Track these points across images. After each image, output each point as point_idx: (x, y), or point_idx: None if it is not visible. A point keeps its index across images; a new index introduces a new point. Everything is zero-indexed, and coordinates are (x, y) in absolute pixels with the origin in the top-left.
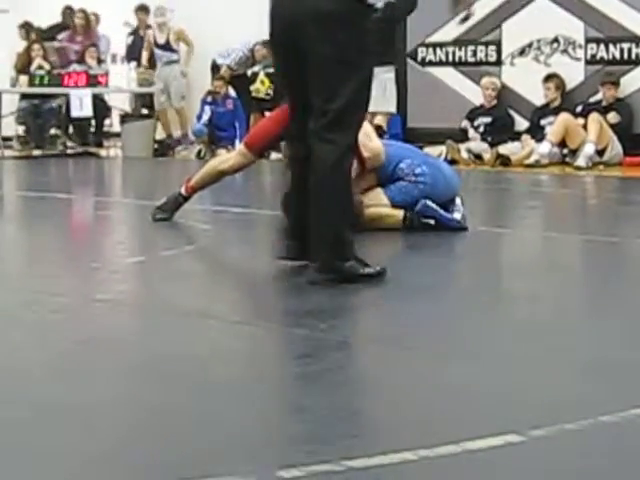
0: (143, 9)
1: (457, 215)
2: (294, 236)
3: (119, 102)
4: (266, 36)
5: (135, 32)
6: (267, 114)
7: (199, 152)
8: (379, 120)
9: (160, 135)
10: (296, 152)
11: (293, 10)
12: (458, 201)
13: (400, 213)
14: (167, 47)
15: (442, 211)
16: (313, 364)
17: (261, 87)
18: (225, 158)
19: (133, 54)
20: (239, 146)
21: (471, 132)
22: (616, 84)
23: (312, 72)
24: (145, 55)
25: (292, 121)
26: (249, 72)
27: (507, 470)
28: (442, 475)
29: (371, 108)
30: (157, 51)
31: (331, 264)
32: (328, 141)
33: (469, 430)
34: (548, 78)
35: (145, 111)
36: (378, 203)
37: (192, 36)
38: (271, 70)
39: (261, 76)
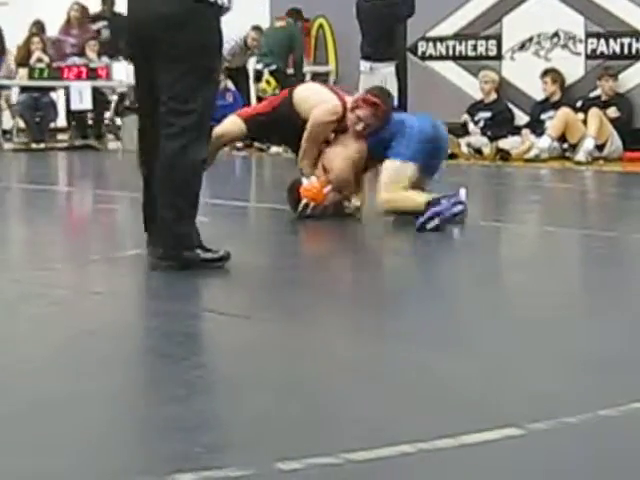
0: None
1: (459, 207)
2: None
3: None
4: (256, 21)
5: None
6: None
7: None
8: None
9: None
10: (145, 146)
11: (141, 14)
12: (462, 193)
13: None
14: None
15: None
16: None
17: (267, 87)
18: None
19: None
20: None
21: (471, 126)
22: (614, 76)
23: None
24: None
25: (140, 117)
26: (251, 68)
27: (506, 463)
28: (440, 468)
29: None
30: None
31: (174, 253)
32: (171, 136)
33: (468, 424)
34: (546, 72)
35: None
36: (398, 182)
37: None
38: (274, 68)
39: (266, 76)
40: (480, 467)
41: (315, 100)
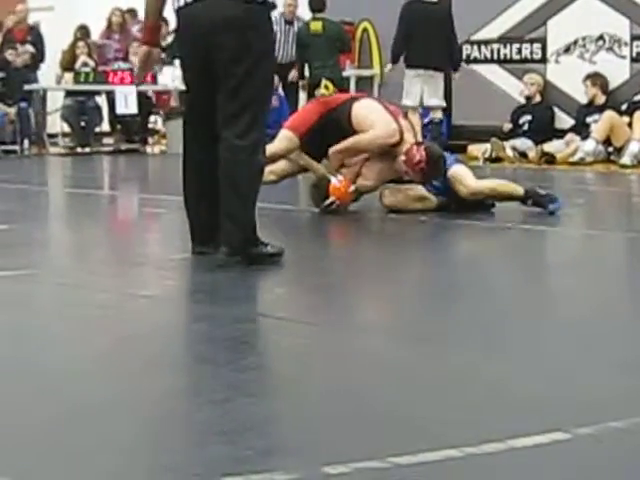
0: None
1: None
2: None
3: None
4: None
5: (175, 31)
6: None
7: None
8: (436, 113)
9: None
10: (197, 153)
11: (204, 19)
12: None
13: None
14: None
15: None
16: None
17: (326, 92)
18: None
19: (173, 53)
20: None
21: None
22: None
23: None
24: None
25: (190, 123)
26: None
27: (555, 468)
28: (488, 472)
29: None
30: None
31: (242, 249)
32: (234, 138)
33: (515, 428)
34: (588, 76)
35: None
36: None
37: None
38: (328, 73)
39: (324, 81)
40: (528, 472)
41: (373, 120)
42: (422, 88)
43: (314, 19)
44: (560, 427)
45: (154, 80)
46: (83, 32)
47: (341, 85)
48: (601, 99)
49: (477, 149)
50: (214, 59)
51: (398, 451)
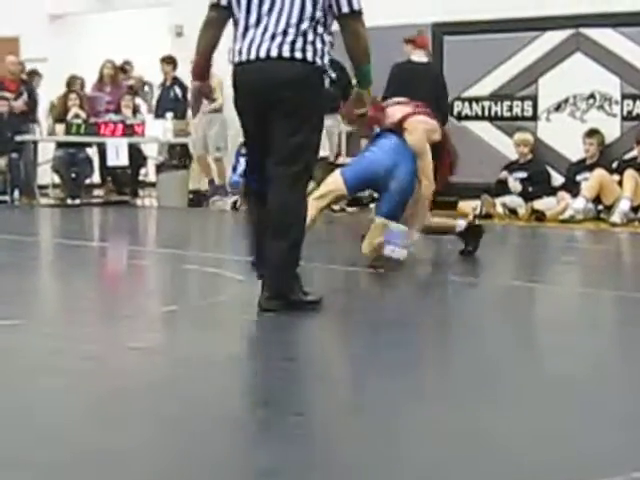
0: (167, 60)
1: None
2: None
3: (153, 152)
4: None
5: (163, 84)
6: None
7: (234, 203)
8: None
9: (194, 185)
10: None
11: (265, 79)
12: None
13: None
14: (208, 96)
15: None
16: None
17: None
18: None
19: (164, 106)
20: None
21: (511, 181)
22: None
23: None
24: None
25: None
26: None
27: None
28: None
29: None
30: None
31: (282, 294)
32: (284, 183)
33: None
34: (591, 134)
35: (177, 162)
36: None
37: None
38: None
39: None
40: None
41: None
42: None
43: None
44: None
45: (144, 133)
46: (79, 83)
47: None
48: (596, 157)
49: (468, 205)
50: (269, 112)
51: None
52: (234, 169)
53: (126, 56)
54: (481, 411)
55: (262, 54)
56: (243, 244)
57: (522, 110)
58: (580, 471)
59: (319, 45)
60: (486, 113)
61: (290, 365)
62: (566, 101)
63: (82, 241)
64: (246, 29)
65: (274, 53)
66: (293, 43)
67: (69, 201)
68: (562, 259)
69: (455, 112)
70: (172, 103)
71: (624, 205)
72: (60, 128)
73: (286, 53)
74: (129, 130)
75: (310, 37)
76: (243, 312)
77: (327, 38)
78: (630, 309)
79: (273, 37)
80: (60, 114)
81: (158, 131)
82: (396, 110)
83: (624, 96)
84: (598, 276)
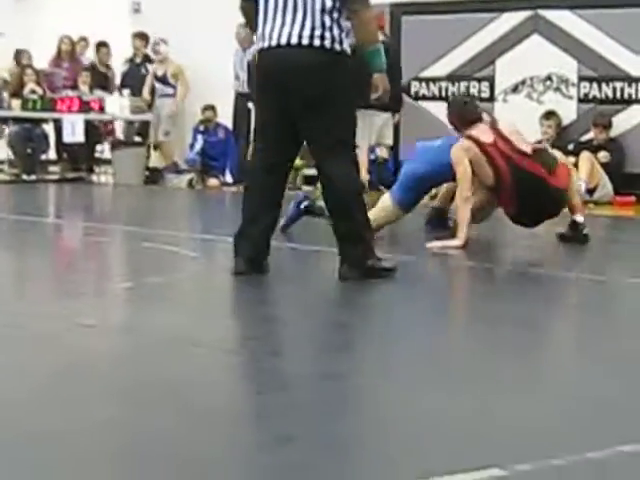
0: (139, 36)
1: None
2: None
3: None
4: None
5: (131, 60)
6: None
7: (190, 181)
8: (382, 152)
9: (155, 164)
10: (261, 177)
11: (288, 64)
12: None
13: None
14: (164, 80)
15: None
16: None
17: None
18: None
19: (128, 82)
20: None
21: None
22: (607, 127)
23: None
24: (147, 86)
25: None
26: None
27: None
28: None
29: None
30: (155, 83)
31: (361, 262)
32: (337, 166)
33: (449, 463)
34: (548, 116)
35: (138, 139)
36: None
37: (190, 64)
38: None
39: None
40: None
41: None
42: (369, 128)
43: None
44: (497, 463)
45: (101, 109)
46: (25, 56)
47: None
48: (552, 139)
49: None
50: (292, 100)
51: None
52: (191, 147)
53: (83, 32)
54: (420, 387)
55: (283, 41)
56: (199, 221)
57: (479, 91)
58: (534, 451)
59: (336, 31)
60: (443, 94)
61: (248, 343)
62: (523, 83)
63: (37, 217)
64: (266, 15)
65: (294, 40)
66: (312, 30)
67: (24, 177)
68: (518, 242)
69: (412, 92)
70: (142, 80)
71: (579, 187)
72: (16, 103)
73: (305, 40)
74: (85, 106)
75: (328, 23)
76: (198, 289)
77: (344, 24)
78: (583, 291)
79: (292, 24)
80: (15, 89)
81: (115, 108)
82: (487, 132)
83: (581, 78)
84: (552, 258)
